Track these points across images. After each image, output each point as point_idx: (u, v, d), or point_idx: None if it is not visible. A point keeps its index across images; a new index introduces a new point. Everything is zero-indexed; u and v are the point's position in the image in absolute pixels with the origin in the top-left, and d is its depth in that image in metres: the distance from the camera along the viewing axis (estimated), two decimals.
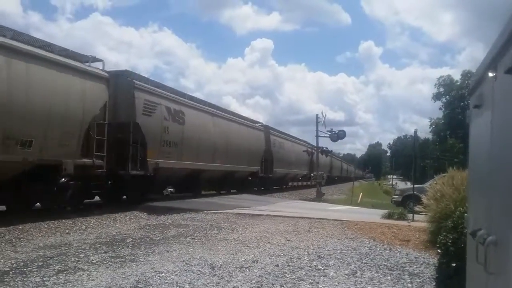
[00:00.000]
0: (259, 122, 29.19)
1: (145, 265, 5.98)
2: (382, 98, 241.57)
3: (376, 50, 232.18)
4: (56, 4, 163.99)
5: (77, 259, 6.32)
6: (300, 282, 5.26)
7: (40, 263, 5.99)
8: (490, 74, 2.02)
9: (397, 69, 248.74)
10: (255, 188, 25.65)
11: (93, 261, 6.18)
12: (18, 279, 5.18)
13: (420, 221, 10.17)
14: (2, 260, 6.16)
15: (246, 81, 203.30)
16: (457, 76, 54.96)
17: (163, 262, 6.16)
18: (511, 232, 1.66)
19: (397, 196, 19.22)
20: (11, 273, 5.48)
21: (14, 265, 5.89)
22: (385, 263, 6.42)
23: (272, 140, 28.77)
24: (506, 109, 1.77)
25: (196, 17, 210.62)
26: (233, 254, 6.85)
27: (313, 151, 30.74)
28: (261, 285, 5.08)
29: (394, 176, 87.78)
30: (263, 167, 26.69)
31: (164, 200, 16.17)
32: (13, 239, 8.15)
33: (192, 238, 8.36)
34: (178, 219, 11.34)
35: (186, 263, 6.10)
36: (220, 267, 5.90)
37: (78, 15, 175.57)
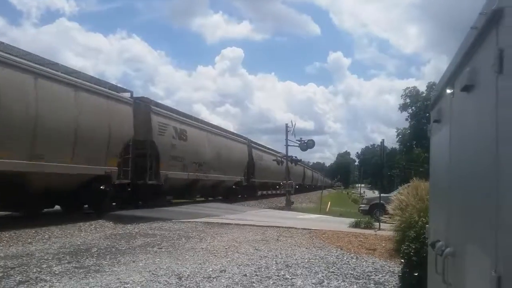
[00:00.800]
0: (243, 137, 31.71)
1: (110, 276, 5.85)
2: (351, 108, 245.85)
3: (345, 61, 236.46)
4: (22, 9, 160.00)
5: (39, 269, 6.13)
6: None
7: (0, 274, 5.78)
8: (448, 91, 2.10)
9: (365, 79, 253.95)
10: (239, 196, 28.35)
11: (56, 272, 6.01)
12: None
13: (386, 230, 10.35)
14: None
15: (216, 89, 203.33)
16: (422, 87, 56.45)
17: (129, 273, 6.05)
18: (468, 244, 1.72)
19: (364, 205, 19.50)
20: None
21: None
22: (352, 272, 6.50)
23: (254, 152, 31.67)
24: (463, 124, 1.84)
25: (166, 25, 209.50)
26: (200, 263, 6.80)
27: (282, 160, 30.90)
28: None
29: (363, 185, 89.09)
30: (246, 177, 29.51)
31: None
32: None
33: (159, 248, 8.25)
34: (146, 228, 11.18)
35: (152, 274, 6.02)
36: (187, 277, 5.85)
37: (44, 20, 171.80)
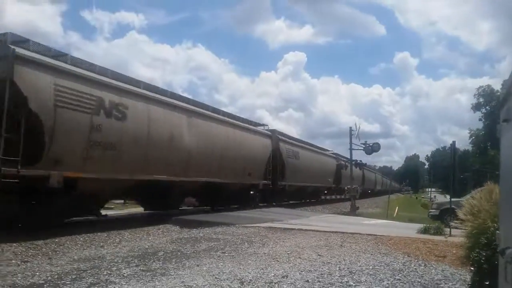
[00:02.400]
0: (331, 151, 33.30)
1: (175, 279, 6.01)
2: (419, 110, 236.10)
3: (412, 61, 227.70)
4: (95, 24, 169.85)
5: (109, 272, 6.43)
6: None
7: (74, 276, 6.13)
8: None
9: (434, 79, 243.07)
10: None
11: (125, 275, 6.27)
12: None
13: (457, 236, 9.82)
14: (37, 273, 6.33)
15: (279, 94, 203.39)
16: (497, 86, 53.17)
17: (193, 276, 6.18)
18: None
19: (434, 210, 18.69)
20: (45, 286, 5.62)
21: (49, 277, 6.05)
22: (419, 280, 6.22)
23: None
24: None
25: (230, 33, 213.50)
26: (263, 269, 6.80)
27: (346, 164, 30.35)
28: None
29: (433, 189, 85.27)
30: (335, 183, 30.94)
31: (195, 214, 16.43)
32: (50, 252, 8.40)
33: (223, 252, 8.36)
34: (210, 233, 11.39)
35: (215, 278, 6.10)
36: (250, 282, 5.87)
37: (115, 34, 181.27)
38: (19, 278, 6.02)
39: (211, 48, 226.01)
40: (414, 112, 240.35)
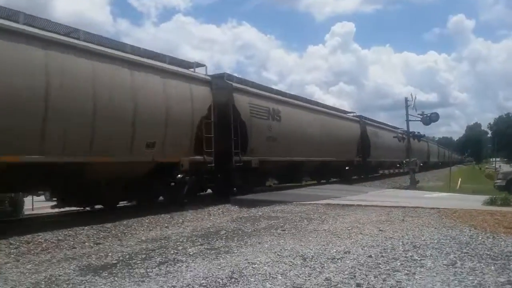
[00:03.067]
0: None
1: (238, 257, 6.17)
2: (479, 75, 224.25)
3: (468, 24, 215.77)
4: (142, 10, 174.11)
5: (176, 251, 6.70)
6: (395, 273, 5.11)
7: (143, 256, 6.44)
8: None
9: (493, 42, 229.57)
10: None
11: (191, 253, 6.51)
12: (125, 270, 5.62)
13: None
14: (110, 254, 6.71)
15: (329, 68, 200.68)
16: None
17: (256, 254, 6.32)
18: None
19: (500, 180, 17.92)
20: (118, 265, 5.96)
21: (121, 258, 6.40)
22: (488, 253, 6.01)
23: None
24: None
25: (274, 8, 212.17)
26: (324, 245, 6.83)
27: (404, 136, 29.52)
28: (355, 276, 5.01)
29: (497, 159, 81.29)
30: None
31: (265, 191, 16.99)
32: (119, 234, 8.86)
33: (283, 230, 8.45)
34: (268, 211, 11.53)
35: (277, 255, 6.20)
36: (312, 258, 5.92)
37: (162, 18, 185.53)
38: (94, 259, 6.41)
39: (256, 25, 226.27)
40: (473, 78, 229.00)
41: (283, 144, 18.20)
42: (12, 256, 6.93)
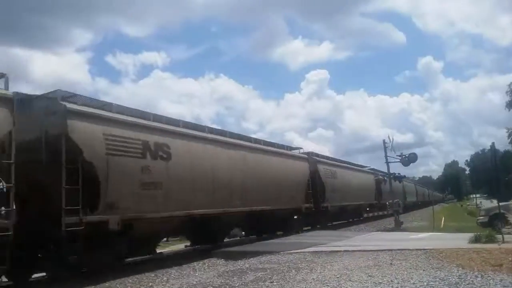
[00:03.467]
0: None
1: None
2: (451, 114, 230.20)
3: (437, 65, 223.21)
4: (120, 68, 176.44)
5: None
6: None
7: None
8: None
9: (462, 81, 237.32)
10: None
11: None
12: None
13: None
14: None
15: (306, 114, 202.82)
16: None
17: None
18: None
19: (482, 217, 18.08)
20: None
21: None
22: None
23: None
24: None
25: (249, 59, 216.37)
26: None
27: (385, 178, 29.81)
28: None
29: (478, 195, 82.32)
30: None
31: (239, 245, 16.45)
32: None
33: (271, 282, 8.29)
34: (255, 263, 11.32)
35: None
36: None
37: (140, 75, 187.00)
38: None
39: (233, 77, 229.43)
40: (446, 117, 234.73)
41: (339, 194, 25.19)
42: None
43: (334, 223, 27.35)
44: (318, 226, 23.94)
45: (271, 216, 18.59)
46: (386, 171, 28.99)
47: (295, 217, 21.26)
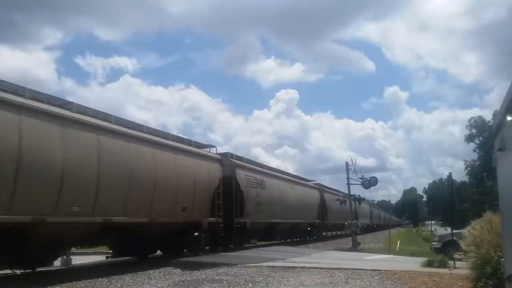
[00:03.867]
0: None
1: None
2: (413, 142, 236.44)
3: (402, 95, 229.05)
4: (89, 70, 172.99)
5: None
6: None
7: None
8: (509, 118, 2.07)
9: (426, 112, 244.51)
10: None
11: None
12: None
13: (462, 268, 9.78)
14: None
15: (274, 131, 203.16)
16: (488, 116, 54.03)
17: None
18: None
19: (436, 243, 18.59)
20: None
21: None
22: None
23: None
24: None
25: (221, 73, 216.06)
26: None
27: (345, 199, 30.29)
28: None
29: (433, 222, 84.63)
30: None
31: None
32: None
33: None
34: (212, 274, 11.26)
35: None
36: None
37: (109, 79, 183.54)
38: None
39: (203, 89, 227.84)
40: (408, 145, 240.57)
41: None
42: None
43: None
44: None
45: (299, 227, 29.03)
46: (346, 192, 29.51)
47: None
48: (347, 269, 11.58)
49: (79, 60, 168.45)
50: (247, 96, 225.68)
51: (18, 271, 11.43)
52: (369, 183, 26.69)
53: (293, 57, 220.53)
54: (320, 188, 33.84)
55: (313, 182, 34.34)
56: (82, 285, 9.77)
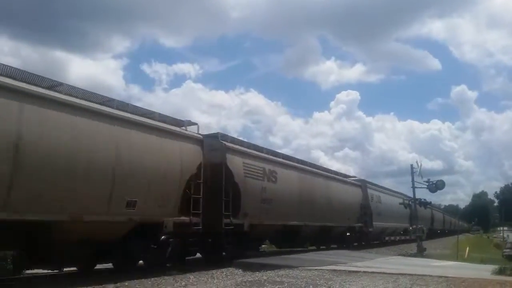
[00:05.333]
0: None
1: None
2: (483, 144, 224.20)
3: (471, 94, 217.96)
4: (154, 77, 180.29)
5: None
6: None
7: None
8: None
9: (497, 112, 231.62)
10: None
11: None
12: None
13: None
14: None
15: (334, 134, 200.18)
16: None
17: None
18: None
19: (508, 250, 17.67)
20: None
21: None
22: None
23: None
24: None
25: (281, 76, 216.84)
26: None
27: (410, 203, 29.35)
28: None
29: (505, 228, 79.85)
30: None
31: (259, 257, 16.14)
32: None
33: None
34: (273, 276, 11.33)
35: None
36: None
37: (172, 84, 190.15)
38: None
39: (263, 92, 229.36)
40: (478, 147, 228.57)
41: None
42: None
43: (377, 242, 30.41)
44: (363, 243, 26.76)
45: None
46: (411, 195, 28.61)
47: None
48: (412, 274, 11.23)
49: (145, 67, 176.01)
50: (306, 99, 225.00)
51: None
52: (436, 186, 25.82)
53: (354, 58, 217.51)
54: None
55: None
56: (149, 282, 10.18)
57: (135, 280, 10.15)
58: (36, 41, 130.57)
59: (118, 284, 9.63)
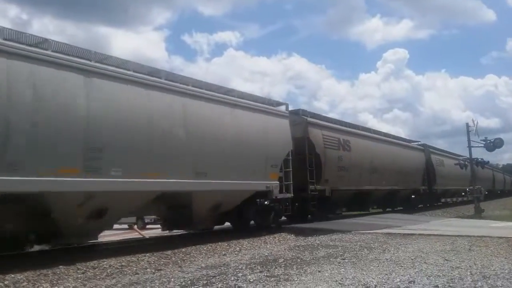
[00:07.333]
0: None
1: (299, 284, 6.11)
2: None
3: None
4: (196, 47, 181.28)
5: (236, 278, 6.73)
6: None
7: (205, 282, 6.52)
8: None
9: None
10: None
11: (251, 280, 6.51)
12: None
13: None
14: (172, 279, 6.84)
15: (382, 95, 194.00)
16: None
17: (316, 282, 6.23)
18: None
19: None
20: None
21: (183, 283, 6.50)
22: None
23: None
24: None
25: (324, 38, 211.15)
26: (387, 274, 6.61)
27: (466, 163, 28.33)
28: None
29: None
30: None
31: (332, 220, 17.13)
32: (179, 261, 9.01)
33: (343, 259, 8.28)
34: (326, 240, 11.36)
35: (339, 283, 6.08)
36: (375, 287, 5.75)
37: (214, 54, 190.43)
38: (157, 284, 6.55)
39: (306, 56, 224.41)
40: None
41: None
42: (80, 280, 7.22)
43: (439, 203, 31.35)
44: (428, 205, 28.50)
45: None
46: (467, 155, 27.57)
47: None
48: (470, 236, 10.91)
49: (186, 38, 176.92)
50: (352, 60, 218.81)
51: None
52: (494, 145, 24.75)
53: (400, 13, 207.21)
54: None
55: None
56: (204, 248, 10.47)
57: (191, 247, 10.47)
58: (79, 19, 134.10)
59: (176, 250, 9.98)
